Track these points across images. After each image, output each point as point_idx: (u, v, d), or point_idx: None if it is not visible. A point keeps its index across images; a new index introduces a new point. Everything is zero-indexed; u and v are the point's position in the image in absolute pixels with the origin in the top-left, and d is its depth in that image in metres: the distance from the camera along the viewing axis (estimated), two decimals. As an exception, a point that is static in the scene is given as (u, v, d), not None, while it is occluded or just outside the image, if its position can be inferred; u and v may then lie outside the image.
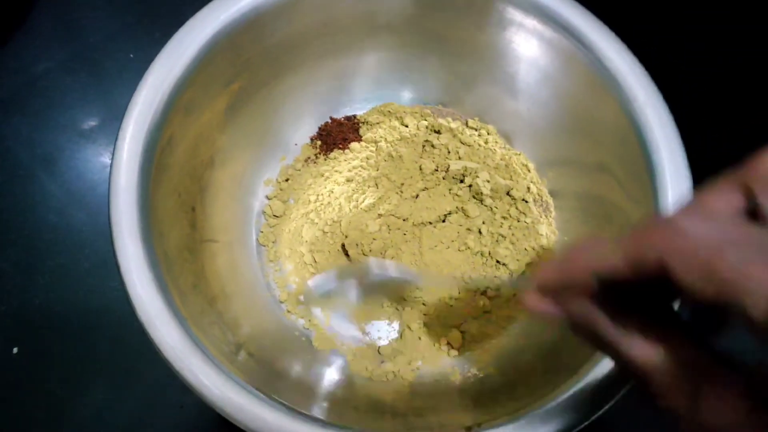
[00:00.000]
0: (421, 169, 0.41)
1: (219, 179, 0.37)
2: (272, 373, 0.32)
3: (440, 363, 0.37)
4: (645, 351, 0.17)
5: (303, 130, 0.43)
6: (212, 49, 0.32)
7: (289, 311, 0.38)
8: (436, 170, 0.41)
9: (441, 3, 0.37)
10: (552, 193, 0.41)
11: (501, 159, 0.42)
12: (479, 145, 0.42)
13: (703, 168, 0.30)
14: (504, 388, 0.33)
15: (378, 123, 0.43)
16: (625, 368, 0.18)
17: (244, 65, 0.36)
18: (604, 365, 0.28)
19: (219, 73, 0.34)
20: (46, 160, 0.44)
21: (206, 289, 0.33)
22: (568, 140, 0.39)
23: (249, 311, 0.36)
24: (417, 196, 0.40)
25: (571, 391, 0.28)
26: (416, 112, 0.43)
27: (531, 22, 0.36)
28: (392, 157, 0.41)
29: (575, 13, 0.35)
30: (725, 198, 0.17)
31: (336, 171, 0.42)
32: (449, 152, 0.41)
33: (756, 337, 0.15)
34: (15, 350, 0.39)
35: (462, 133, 0.42)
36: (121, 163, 0.29)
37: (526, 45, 0.37)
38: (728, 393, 0.15)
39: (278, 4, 0.34)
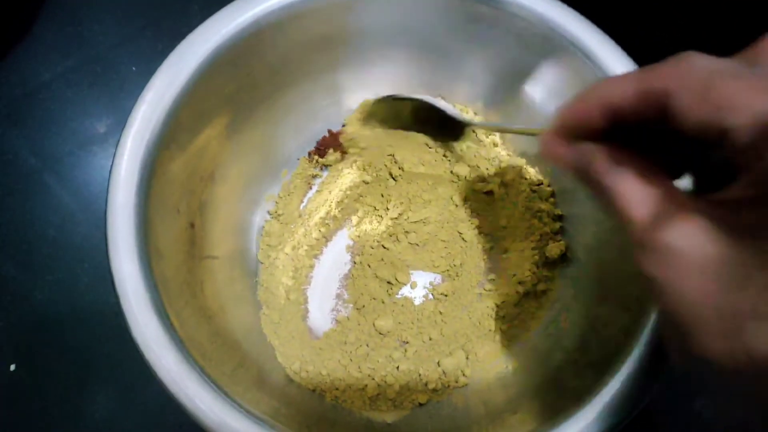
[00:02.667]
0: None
1: (219, 195, 0.37)
2: (272, 395, 0.32)
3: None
4: (629, 187, 0.18)
5: (305, 145, 0.42)
6: (213, 63, 0.32)
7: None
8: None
9: (441, 18, 0.36)
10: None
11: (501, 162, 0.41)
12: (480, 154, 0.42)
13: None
14: (507, 413, 0.32)
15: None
16: (611, 207, 0.19)
17: (245, 79, 0.35)
18: (612, 389, 0.27)
19: (220, 88, 0.34)
20: (46, 173, 0.43)
21: (205, 307, 0.32)
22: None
23: (249, 330, 0.35)
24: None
25: (576, 416, 0.27)
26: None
27: (537, 36, 0.35)
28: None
29: (582, 28, 0.34)
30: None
31: (335, 182, 0.42)
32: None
33: (738, 163, 0.16)
34: (12, 367, 0.38)
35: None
36: (119, 180, 0.29)
37: (531, 59, 0.37)
38: (699, 217, 0.16)
39: (279, 18, 0.33)
